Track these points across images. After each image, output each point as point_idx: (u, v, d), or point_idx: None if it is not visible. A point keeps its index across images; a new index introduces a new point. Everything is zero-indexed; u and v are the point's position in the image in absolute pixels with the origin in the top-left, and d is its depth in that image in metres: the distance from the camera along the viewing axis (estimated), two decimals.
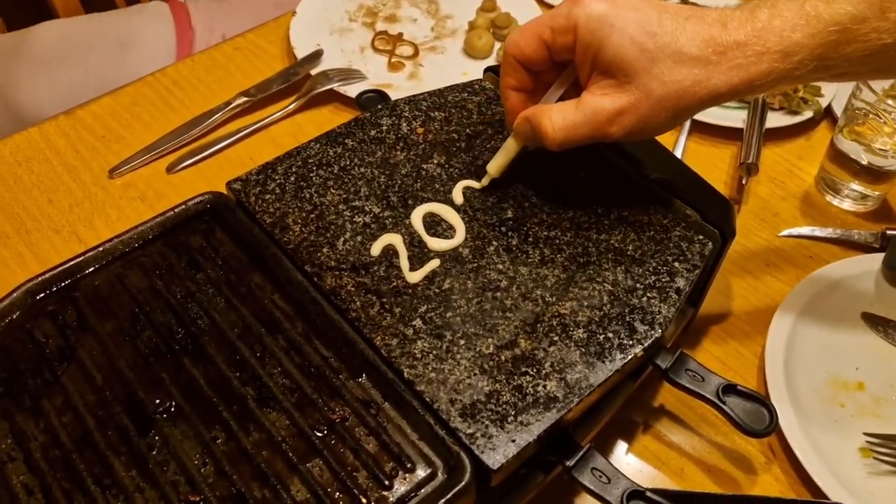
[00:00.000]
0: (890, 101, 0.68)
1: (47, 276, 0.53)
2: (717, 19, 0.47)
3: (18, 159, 0.79)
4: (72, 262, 0.53)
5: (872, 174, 0.73)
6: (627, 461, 0.58)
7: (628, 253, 0.54)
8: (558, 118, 0.50)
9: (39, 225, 0.73)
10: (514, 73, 0.53)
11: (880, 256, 0.68)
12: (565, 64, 0.52)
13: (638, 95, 0.47)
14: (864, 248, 0.72)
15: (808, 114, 0.82)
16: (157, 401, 0.47)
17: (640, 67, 0.46)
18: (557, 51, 0.50)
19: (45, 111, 1.02)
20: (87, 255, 0.54)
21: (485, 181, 0.58)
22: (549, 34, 0.50)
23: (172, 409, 0.47)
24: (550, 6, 0.98)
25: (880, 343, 0.64)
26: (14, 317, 0.51)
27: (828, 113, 0.84)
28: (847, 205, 0.76)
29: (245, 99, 0.84)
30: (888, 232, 0.72)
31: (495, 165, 0.57)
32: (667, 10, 0.47)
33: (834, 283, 0.67)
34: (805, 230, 0.74)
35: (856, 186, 0.74)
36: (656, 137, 0.54)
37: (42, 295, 0.52)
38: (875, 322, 0.65)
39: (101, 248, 0.54)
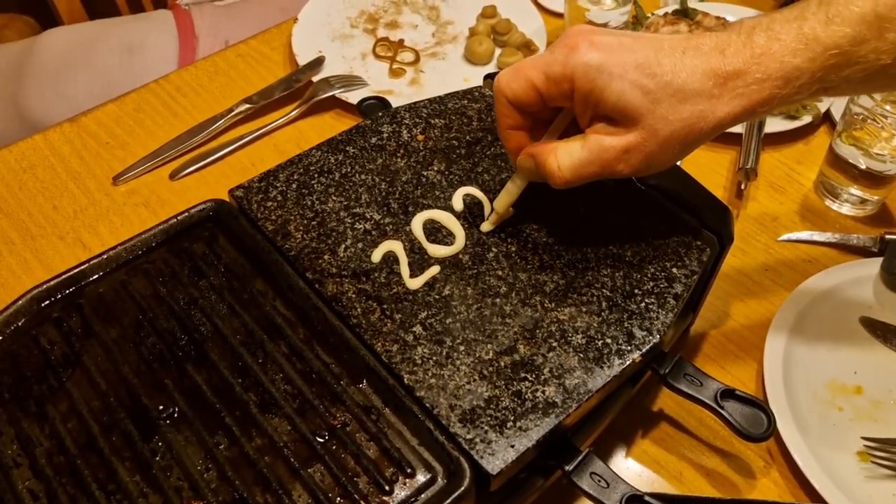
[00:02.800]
0: (888, 107, 0.68)
1: (52, 283, 0.53)
2: (715, 47, 0.45)
3: (23, 166, 0.80)
4: (77, 270, 0.54)
5: (871, 179, 0.73)
6: (627, 465, 0.58)
7: (626, 259, 0.54)
8: (565, 157, 0.49)
9: (44, 231, 0.74)
10: (509, 113, 0.51)
11: (879, 261, 0.69)
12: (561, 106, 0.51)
13: (644, 135, 0.46)
14: (863, 252, 0.73)
15: (806, 118, 0.83)
16: (161, 406, 0.48)
17: (644, 111, 0.46)
18: (552, 98, 0.49)
19: (53, 117, 1.03)
20: (91, 263, 0.55)
21: (492, 218, 0.56)
22: (542, 81, 0.48)
23: (176, 415, 0.47)
24: (549, 11, 0.99)
25: (879, 347, 0.65)
26: (20, 323, 0.52)
27: (826, 118, 0.85)
28: (846, 209, 0.76)
29: (247, 106, 0.84)
30: (887, 236, 0.72)
31: (501, 203, 0.55)
32: (662, 48, 0.46)
33: (832, 288, 0.67)
34: (804, 235, 0.74)
35: (854, 191, 0.75)
36: None
37: (47, 302, 0.53)
38: (874, 326, 0.66)
39: (105, 256, 0.55)
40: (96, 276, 0.55)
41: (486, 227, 0.56)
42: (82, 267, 0.54)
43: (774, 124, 0.82)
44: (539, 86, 0.48)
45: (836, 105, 0.84)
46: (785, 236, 0.74)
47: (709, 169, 0.81)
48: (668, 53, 0.46)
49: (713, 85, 0.45)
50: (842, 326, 0.66)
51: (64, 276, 0.54)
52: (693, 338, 0.66)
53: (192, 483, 0.44)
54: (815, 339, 0.64)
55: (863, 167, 0.72)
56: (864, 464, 0.57)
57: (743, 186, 0.77)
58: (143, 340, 0.51)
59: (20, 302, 0.52)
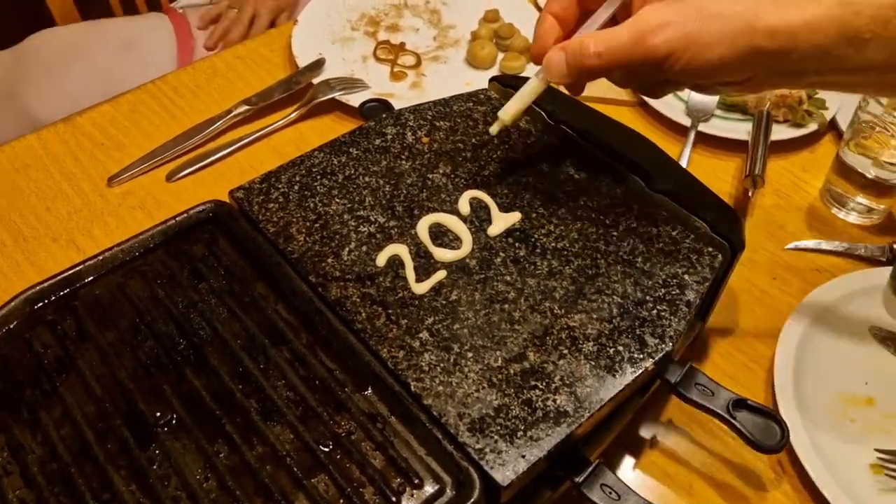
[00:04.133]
0: None
1: (46, 284, 0.52)
2: None
3: (16, 166, 0.78)
4: (72, 271, 0.53)
5: (878, 188, 0.72)
6: (635, 476, 0.57)
7: (637, 265, 0.53)
8: (602, 35, 0.48)
9: (37, 233, 0.72)
10: None
11: (888, 270, 0.68)
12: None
13: (687, 10, 0.46)
14: (871, 261, 0.72)
15: (812, 126, 0.82)
16: (158, 413, 0.46)
17: None
18: None
19: (53, 114, 1.02)
20: (87, 264, 0.53)
21: (495, 128, 0.54)
22: None
23: (174, 422, 0.46)
24: None
25: (889, 358, 0.64)
26: (12, 326, 0.50)
27: (832, 125, 0.84)
28: (853, 218, 0.76)
29: (246, 107, 0.83)
30: (895, 246, 0.71)
31: (510, 113, 0.53)
32: None
33: (842, 297, 0.66)
34: (811, 243, 0.73)
35: (862, 200, 0.74)
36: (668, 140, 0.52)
37: (41, 304, 0.52)
38: (883, 336, 0.65)
39: (101, 257, 0.54)
40: (92, 278, 0.53)
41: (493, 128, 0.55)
42: (77, 268, 0.53)
43: (780, 132, 0.82)
44: None
45: (841, 113, 0.83)
46: (792, 244, 0.73)
47: (714, 176, 0.80)
48: None
49: None
50: (852, 336, 0.65)
51: (58, 278, 0.52)
52: (702, 347, 0.65)
53: (191, 493, 0.43)
54: (825, 350, 0.63)
55: (871, 176, 0.72)
56: (877, 476, 0.56)
57: (749, 194, 0.76)
58: (140, 344, 0.50)
59: (12, 304, 0.51)
